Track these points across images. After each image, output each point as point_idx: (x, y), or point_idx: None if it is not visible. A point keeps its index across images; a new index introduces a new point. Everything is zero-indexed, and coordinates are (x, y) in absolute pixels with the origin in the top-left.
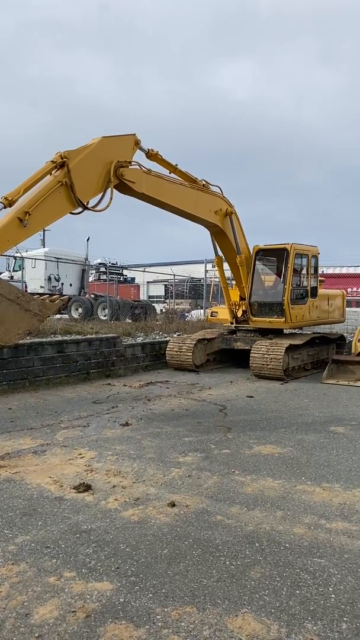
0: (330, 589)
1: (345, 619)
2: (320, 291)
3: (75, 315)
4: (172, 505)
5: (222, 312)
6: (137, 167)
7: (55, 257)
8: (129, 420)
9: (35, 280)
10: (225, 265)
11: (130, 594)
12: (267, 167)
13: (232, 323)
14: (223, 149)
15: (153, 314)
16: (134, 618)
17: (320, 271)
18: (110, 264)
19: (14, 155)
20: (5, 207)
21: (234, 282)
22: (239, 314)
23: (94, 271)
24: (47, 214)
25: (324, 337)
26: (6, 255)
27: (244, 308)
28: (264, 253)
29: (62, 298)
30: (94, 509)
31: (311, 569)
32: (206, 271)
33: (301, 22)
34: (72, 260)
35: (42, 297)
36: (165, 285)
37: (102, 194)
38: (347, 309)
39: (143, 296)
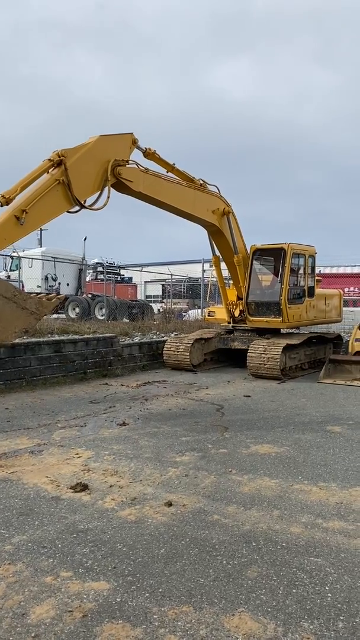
0: (327, 588)
1: (341, 617)
2: (317, 291)
3: (72, 315)
4: (169, 504)
5: (220, 312)
6: (135, 166)
7: (52, 257)
8: (126, 420)
9: (32, 279)
10: (223, 265)
11: (127, 593)
12: (265, 167)
13: (229, 323)
14: (221, 149)
15: (150, 313)
16: (130, 617)
17: (317, 271)
18: (107, 264)
19: (10, 155)
20: (2, 205)
21: (231, 282)
22: (237, 313)
23: (91, 271)
24: (44, 212)
25: (321, 337)
26: (3, 255)
27: (241, 308)
28: (261, 253)
29: (58, 297)
30: (90, 509)
31: (308, 568)
32: (203, 271)
33: (299, 21)
34: (69, 260)
35: (39, 296)
36: (163, 285)
37: (99, 192)
38: (344, 308)
39: (140, 296)
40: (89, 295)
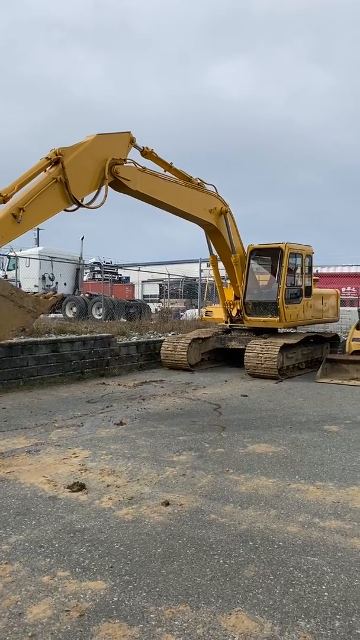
0: (324, 587)
1: (338, 616)
2: (315, 290)
3: (69, 314)
4: (166, 504)
5: (217, 312)
6: (132, 164)
7: (49, 256)
8: (124, 420)
9: (29, 279)
10: (220, 265)
11: (124, 593)
12: (263, 167)
13: (226, 322)
14: (219, 148)
15: (148, 313)
16: (127, 617)
17: (314, 270)
18: (104, 263)
19: (7, 155)
20: None
21: (228, 282)
22: (234, 313)
23: (88, 270)
24: (42, 211)
25: (318, 337)
26: (0, 255)
27: (238, 307)
28: (258, 252)
29: (55, 295)
30: (87, 508)
31: (304, 567)
32: (201, 270)
33: (297, 21)
34: (67, 260)
35: (36, 294)
36: (160, 285)
37: (96, 191)
38: (341, 308)
39: (138, 295)
40: (87, 295)
